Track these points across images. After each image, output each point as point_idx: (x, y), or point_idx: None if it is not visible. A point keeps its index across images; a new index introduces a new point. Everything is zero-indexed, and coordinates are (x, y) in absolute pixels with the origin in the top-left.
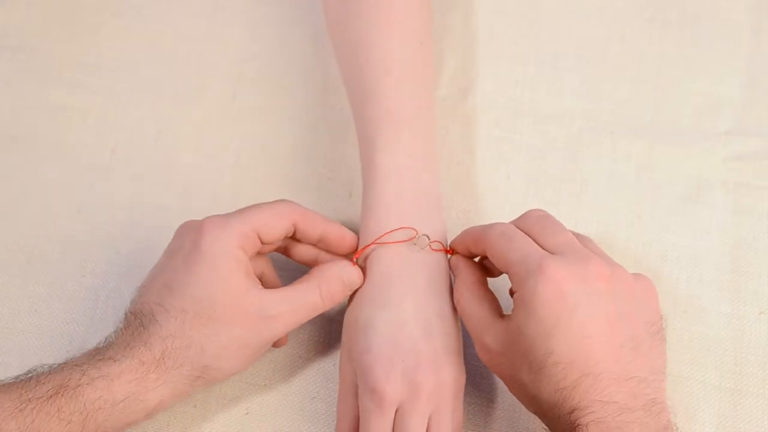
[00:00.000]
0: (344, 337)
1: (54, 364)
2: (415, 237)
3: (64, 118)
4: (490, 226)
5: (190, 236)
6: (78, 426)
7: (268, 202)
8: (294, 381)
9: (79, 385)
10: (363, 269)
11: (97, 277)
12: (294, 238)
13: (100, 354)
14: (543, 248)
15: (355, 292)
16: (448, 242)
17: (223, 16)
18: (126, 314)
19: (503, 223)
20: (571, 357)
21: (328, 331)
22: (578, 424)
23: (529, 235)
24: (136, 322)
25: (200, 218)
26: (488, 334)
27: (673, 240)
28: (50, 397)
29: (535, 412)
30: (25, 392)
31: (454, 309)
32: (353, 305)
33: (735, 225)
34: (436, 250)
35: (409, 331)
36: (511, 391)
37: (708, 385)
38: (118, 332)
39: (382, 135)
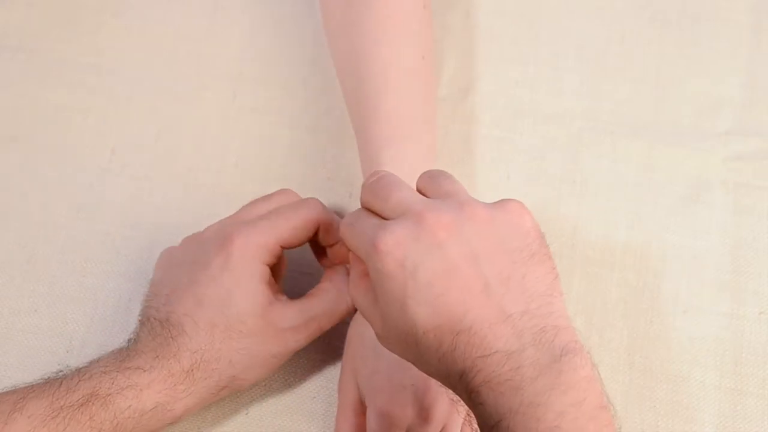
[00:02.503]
0: (348, 352)
1: (81, 366)
2: None
3: (64, 118)
4: (345, 217)
5: (218, 250)
6: None
7: (296, 207)
8: (294, 381)
9: (109, 394)
10: None
11: (97, 277)
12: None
13: (127, 361)
14: (382, 217)
15: None
16: None
17: (223, 16)
18: (149, 319)
19: (353, 211)
20: (434, 321)
21: (328, 332)
22: (470, 389)
23: (370, 210)
24: (164, 333)
25: (204, 219)
26: (373, 321)
27: (673, 240)
28: (81, 405)
29: (450, 388)
30: (56, 399)
31: None
32: (357, 320)
33: (735, 225)
34: None
35: None
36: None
37: (708, 385)
38: (143, 338)
39: (386, 150)
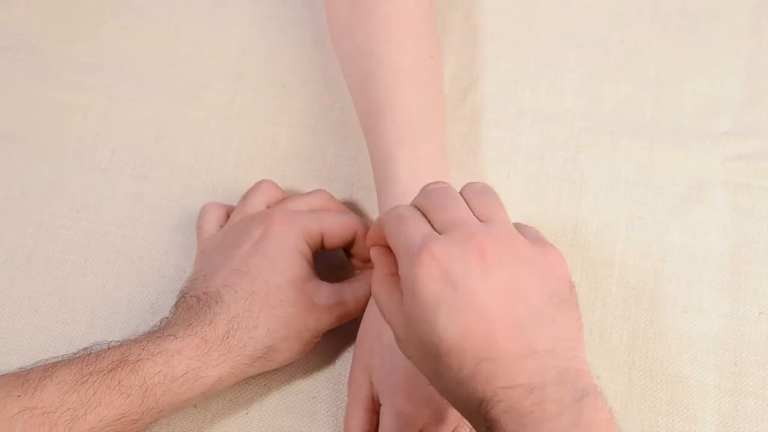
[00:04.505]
0: (360, 349)
1: (112, 341)
2: None
3: (64, 118)
4: (391, 209)
5: (258, 226)
6: (138, 399)
7: (340, 211)
8: (294, 381)
9: (139, 360)
10: None
11: (97, 277)
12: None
13: (159, 332)
14: (433, 227)
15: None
16: None
17: (223, 16)
18: (185, 297)
19: (402, 205)
20: (461, 343)
21: (329, 332)
22: (490, 418)
23: (424, 214)
24: (200, 304)
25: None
26: (395, 324)
27: (673, 240)
28: (111, 370)
29: (460, 412)
30: (86, 366)
31: None
32: (373, 317)
33: (735, 225)
34: None
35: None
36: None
37: (708, 385)
38: (177, 314)
39: (399, 148)
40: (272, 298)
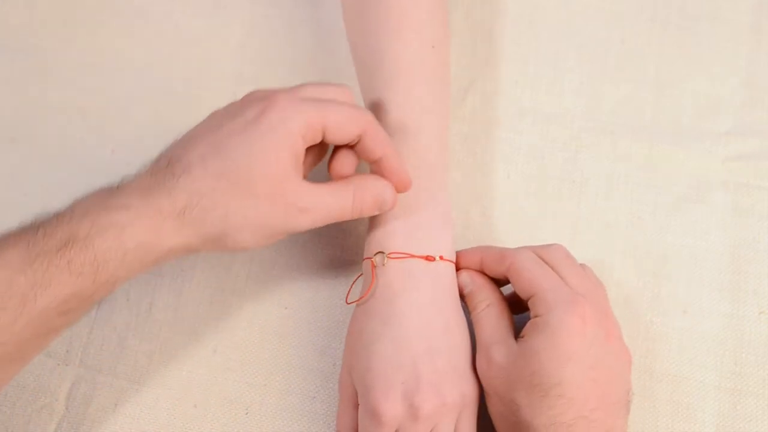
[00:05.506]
0: (346, 348)
1: (59, 210)
2: (431, 256)
3: (64, 118)
4: (517, 250)
5: (257, 105)
6: (90, 277)
7: (351, 103)
8: (294, 381)
9: (88, 236)
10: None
11: None
12: (351, 146)
13: (112, 199)
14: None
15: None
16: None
17: (223, 16)
18: (158, 158)
19: (528, 250)
20: (575, 393)
21: (328, 332)
22: None
23: (553, 269)
24: (168, 170)
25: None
26: (498, 347)
27: (673, 240)
28: (59, 249)
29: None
30: (33, 246)
31: (463, 322)
32: (357, 316)
33: (735, 225)
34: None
35: (412, 350)
36: (489, 409)
37: (708, 385)
38: (139, 175)
39: (396, 143)
40: (241, 186)
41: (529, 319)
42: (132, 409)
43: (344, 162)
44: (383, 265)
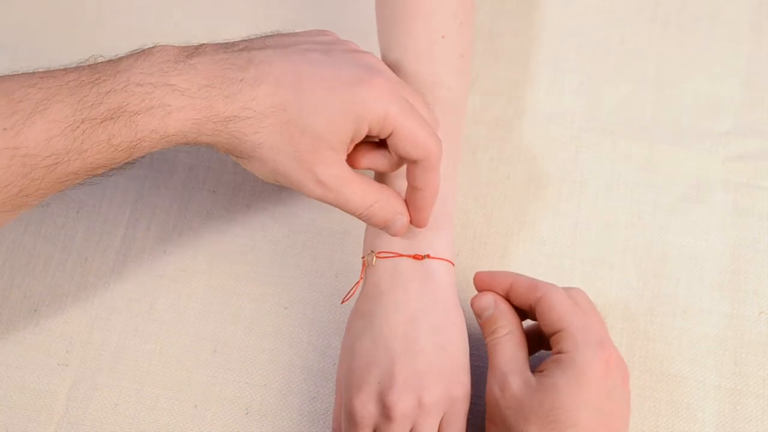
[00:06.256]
0: (341, 350)
1: (123, 66)
2: (422, 255)
3: None
4: (550, 284)
5: (359, 63)
6: (125, 153)
7: (429, 124)
8: (294, 381)
9: (136, 113)
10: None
11: (97, 277)
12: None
13: (175, 75)
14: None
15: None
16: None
17: (223, 16)
18: (246, 40)
19: (560, 291)
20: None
21: (328, 332)
22: None
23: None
24: (239, 63)
25: (204, 218)
26: (516, 378)
27: (673, 240)
28: (104, 120)
29: None
30: (82, 109)
31: (458, 322)
32: (351, 315)
33: (735, 225)
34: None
35: (391, 350)
36: None
37: (708, 385)
38: (210, 55)
39: None
40: (285, 130)
41: (540, 359)
42: (132, 409)
43: (377, 163)
44: (373, 264)
